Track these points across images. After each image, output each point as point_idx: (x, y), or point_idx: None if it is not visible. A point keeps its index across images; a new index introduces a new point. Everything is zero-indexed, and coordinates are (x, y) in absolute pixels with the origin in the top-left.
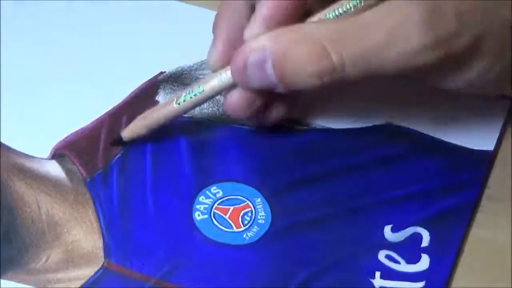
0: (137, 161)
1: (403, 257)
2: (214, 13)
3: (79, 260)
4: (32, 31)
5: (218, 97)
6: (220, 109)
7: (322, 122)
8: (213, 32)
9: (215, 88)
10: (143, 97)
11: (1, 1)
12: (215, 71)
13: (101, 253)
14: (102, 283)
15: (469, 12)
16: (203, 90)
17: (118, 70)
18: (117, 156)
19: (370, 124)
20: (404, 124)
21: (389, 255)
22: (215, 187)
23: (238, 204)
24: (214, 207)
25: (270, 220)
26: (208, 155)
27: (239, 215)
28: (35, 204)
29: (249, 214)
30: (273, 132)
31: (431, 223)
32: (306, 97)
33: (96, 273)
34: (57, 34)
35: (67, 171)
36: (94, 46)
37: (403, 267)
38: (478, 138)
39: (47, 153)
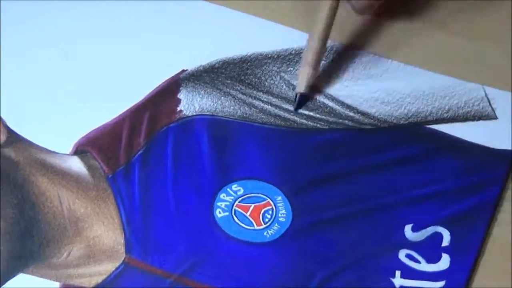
0: (158, 158)
1: (423, 257)
2: (237, 12)
3: (100, 255)
4: (56, 29)
5: (240, 95)
6: (242, 108)
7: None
8: None
9: None
10: (165, 95)
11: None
12: None
13: (122, 249)
14: (123, 278)
15: None
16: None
17: (141, 68)
18: (139, 153)
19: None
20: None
21: (410, 254)
22: (236, 185)
23: (259, 202)
24: (235, 204)
25: (290, 218)
26: (229, 153)
27: (260, 213)
28: (57, 200)
29: (270, 212)
30: (294, 131)
31: (452, 223)
32: None
33: (117, 268)
34: (81, 32)
35: (89, 167)
36: (117, 44)
37: (424, 266)
38: (499, 137)
39: (69, 149)
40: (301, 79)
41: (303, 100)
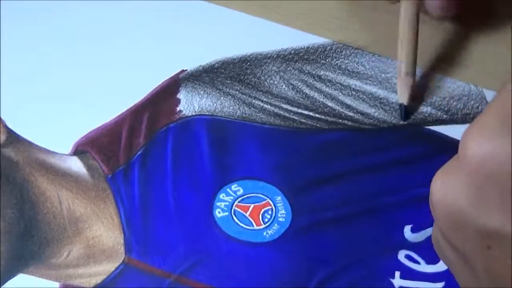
0: (158, 158)
1: (423, 257)
2: (236, 12)
3: (100, 255)
4: (56, 29)
5: (239, 95)
6: (241, 108)
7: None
8: None
9: None
10: (165, 95)
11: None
12: None
13: (122, 249)
14: (122, 278)
15: None
16: None
17: (140, 68)
18: (139, 153)
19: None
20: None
21: (409, 255)
22: (235, 185)
23: (258, 202)
24: (234, 204)
25: (290, 218)
26: (228, 152)
27: (260, 213)
28: (57, 200)
29: (270, 212)
30: (294, 131)
31: None
32: None
33: (117, 268)
34: (81, 32)
35: (89, 167)
36: (117, 44)
37: (423, 267)
38: None
39: (69, 149)
40: (403, 89)
41: (408, 112)
